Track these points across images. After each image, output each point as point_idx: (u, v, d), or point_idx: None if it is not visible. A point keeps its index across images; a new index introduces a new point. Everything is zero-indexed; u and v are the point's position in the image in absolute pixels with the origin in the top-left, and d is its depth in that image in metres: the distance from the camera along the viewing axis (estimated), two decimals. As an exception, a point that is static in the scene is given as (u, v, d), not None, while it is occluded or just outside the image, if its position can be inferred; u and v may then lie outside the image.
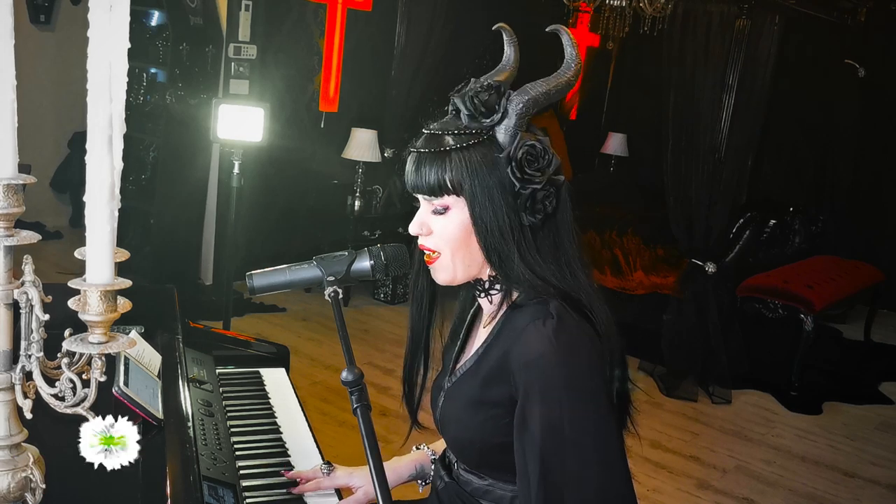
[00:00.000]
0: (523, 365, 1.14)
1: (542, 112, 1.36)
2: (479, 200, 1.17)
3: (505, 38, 1.29)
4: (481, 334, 1.31)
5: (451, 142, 1.17)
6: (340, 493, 1.49)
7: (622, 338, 1.20)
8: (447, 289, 1.32)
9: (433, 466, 1.48)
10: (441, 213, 1.21)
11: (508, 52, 1.29)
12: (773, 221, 5.06)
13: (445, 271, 1.24)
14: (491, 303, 1.27)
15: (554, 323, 1.13)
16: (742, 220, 4.63)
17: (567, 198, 1.21)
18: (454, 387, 1.30)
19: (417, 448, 1.54)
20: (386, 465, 1.34)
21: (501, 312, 1.25)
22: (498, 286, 1.24)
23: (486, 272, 1.24)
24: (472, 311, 1.38)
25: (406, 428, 1.50)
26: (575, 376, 1.12)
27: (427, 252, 1.24)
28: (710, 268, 4.18)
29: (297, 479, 1.48)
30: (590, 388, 1.13)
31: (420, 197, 1.23)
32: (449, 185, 1.17)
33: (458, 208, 1.19)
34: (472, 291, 1.31)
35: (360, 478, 1.47)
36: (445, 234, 1.21)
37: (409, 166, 1.21)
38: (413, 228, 1.24)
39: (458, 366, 1.33)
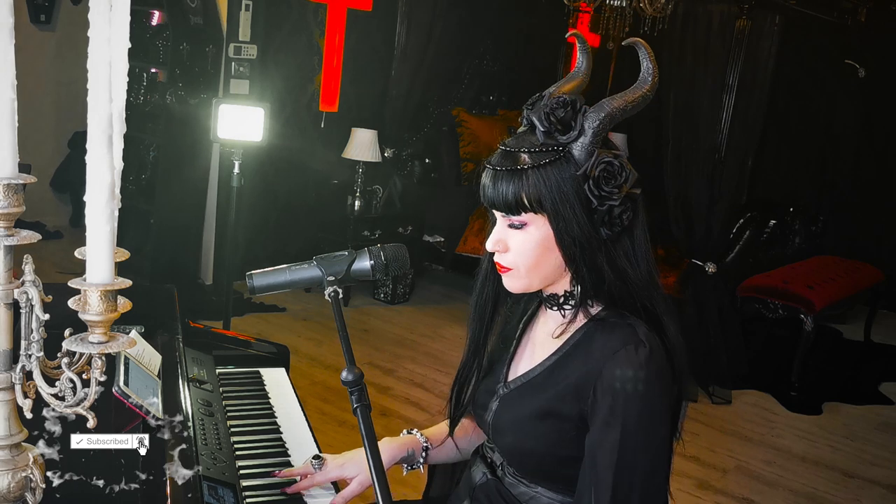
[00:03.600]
0: (610, 386, 1.16)
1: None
2: (563, 216, 1.17)
3: (578, 45, 1.30)
4: (546, 343, 1.30)
5: (528, 160, 1.18)
6: (337, 485, 1.47)
7: (686, 354, 1.25)
8: (507, 295, 1.34)
9: (475, 461, 1.44)
10: (518, 228, 1.21)
11: (581, 59, 1.30)
12: (773, 221, 5.05)
13: (520, 281, 1.25)
14: (564, 315, 1.28)
15: (646, 352, 1.16)
16: (742, 220, 4.63)
17: (642, 210, 1.23)
18: (515, 394, 1.30)
19: (409, 433, 1.52)
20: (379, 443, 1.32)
21: (577, 326, 1.25)
22: (573, 301, 1.25)
23: (560, 287, 1.26)
24: (524, 318, 1.38)
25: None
26: (656, 405, 1.17)
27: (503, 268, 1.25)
28: (711, 268, 4.18)
29: (295, 478, 1.47)
30: (665, 414, 1.19)
31: (497, 213, 1.24)
32: (526, 202, 1.18)
33: (536, 225, 1.20)
34: (545, 305, 1.30)
35: (352, 467, 1.45)
36: (523, 251, 1.22)
37: (486, 181, 1.22)
38: (490, 245, 1.25)
39: (517, 372, 1.33)
